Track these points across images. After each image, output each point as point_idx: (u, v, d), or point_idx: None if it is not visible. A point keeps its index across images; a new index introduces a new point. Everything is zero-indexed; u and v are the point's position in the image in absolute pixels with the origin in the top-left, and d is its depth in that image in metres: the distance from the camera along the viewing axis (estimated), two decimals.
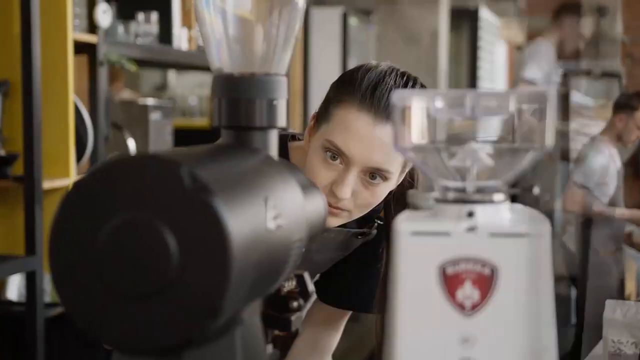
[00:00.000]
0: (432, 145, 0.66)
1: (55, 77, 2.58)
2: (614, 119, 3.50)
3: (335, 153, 1.21)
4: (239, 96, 0.71)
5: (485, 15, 7.16)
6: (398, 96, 0.65)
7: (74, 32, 2.65)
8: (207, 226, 0.56)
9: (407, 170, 1.29)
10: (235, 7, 0.72)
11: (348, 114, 1.21)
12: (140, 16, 3.19)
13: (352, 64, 4.68)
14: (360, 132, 1.19)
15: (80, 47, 2.77)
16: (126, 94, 4.54)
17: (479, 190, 0.65)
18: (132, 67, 2.91)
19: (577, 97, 4.19)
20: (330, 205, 1.21)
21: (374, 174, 1.22)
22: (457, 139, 0.66)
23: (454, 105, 0.65)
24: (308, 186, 0.77)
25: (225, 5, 0.71)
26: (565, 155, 4.72)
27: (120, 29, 3.02)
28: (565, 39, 4.61)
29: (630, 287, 3.62)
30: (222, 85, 0.72)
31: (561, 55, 4.65)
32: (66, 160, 2.62)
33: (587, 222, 3.63)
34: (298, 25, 0.74)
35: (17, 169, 2.46)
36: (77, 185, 0.59)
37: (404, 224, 0.64)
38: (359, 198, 1.23)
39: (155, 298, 0.57)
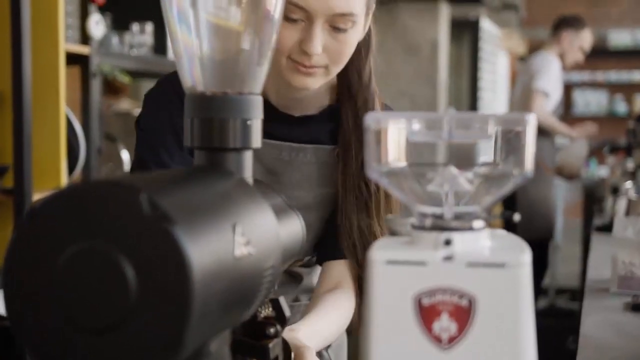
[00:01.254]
0: (409, 169, 0.63)
1: (47, 88, 2.55)
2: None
3: (293, 12, 1.18)
4: (212, 116, 0.68)
5: (486, 25, 7.13)
6: (372, 118, 0.62)
7: (67, 43, 2.63)
8: (166, 255, 0.53)
9: (371, 12, 1.27)
10: (208, 23, 0.69)
11: None
12: (135, 27, 3.16)
13: None
14: None
15: (73, 58, 2.74)
16: (125, 105, 4.51)
17: (458, 216, 0.62)
18: (125, 79, 2.89)
19: None
20: (304, 65, 1.20)
21: (339, 25, 1.19)
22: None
23: (432, 128, 0.62)
24: (284, 210, 0.74)
25: (198, 22, 0.69)
26: (560, 171, 4.70)
27: (115, 39, 2.99)
28: (565, 52, 4.60)
29: None
30: (194, 104, 0.69)
31: (562, 67, 4.63)
32: (57, 172, 2.59)
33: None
34: (273, 40, 0.72)
35: (7, 181, 2.44)
36: (33, 210, 0.56)
37: (379, 252, 0.61)
38: (331, 51, 1.21)
39: (113, 331, 0.54)
